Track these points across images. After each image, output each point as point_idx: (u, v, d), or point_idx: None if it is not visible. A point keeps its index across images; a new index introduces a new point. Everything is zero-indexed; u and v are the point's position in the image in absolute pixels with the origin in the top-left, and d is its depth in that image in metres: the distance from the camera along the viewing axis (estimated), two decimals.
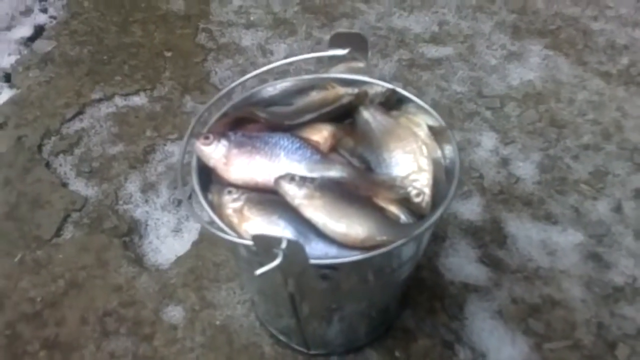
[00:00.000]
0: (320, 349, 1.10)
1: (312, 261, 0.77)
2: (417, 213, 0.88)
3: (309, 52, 1.69)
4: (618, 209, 1.30)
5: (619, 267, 1.20)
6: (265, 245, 0.75)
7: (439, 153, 0.95)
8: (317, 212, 0.83)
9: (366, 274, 0.88)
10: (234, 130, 0.95)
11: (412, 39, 1.74)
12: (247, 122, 0.99)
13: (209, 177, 0.95)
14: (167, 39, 1.79)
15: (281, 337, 1.11)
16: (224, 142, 0.91)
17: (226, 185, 0.91)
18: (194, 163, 0.93)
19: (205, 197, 0.89)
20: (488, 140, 1.45)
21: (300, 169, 0.89)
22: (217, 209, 0.88)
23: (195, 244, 1.28)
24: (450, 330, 1.12)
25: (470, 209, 1.31)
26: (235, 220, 0.87)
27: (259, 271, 0.75)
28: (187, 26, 1.83)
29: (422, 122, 0.98)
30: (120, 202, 1.38)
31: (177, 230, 1.32)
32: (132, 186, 1.41)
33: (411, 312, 1.15)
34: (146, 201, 1.38)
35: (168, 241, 1.31)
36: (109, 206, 1.36)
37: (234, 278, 1.21)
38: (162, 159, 1.46)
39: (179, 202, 1.37)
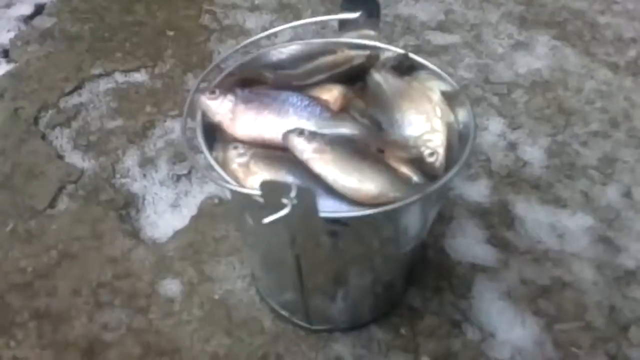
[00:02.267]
0: (323, 324, 1.05)
1: (322, 214, 0.73)
2: (429, 174, 0.84)
3: (314, 36, 1.68)
4: (628, 194, 1.27)
5: (629, 251, 1.17)
6: (273, 194, 0.71)
7: (452, 118, 0.92)
8: (328, 166, 0.79)
9: (374, 235, 0.85)
10: (241, 88, 0.91)
11: (419, 26, 1.72)
12: (254, 83, 0.95)
13: (213, 137, 0.91)
14: (170, 18, 1.76)
15: (283, 312, 1.07)
16: (230, 97, 0.88)
17: (231, 142, 0.87)
18: (198, 119, 0.90)
19: (210, 153, 0.85)
20: (495, 125, 1.43)
21: (310, 126, 0.85)
22: (222, 165, 0.84)
23: (194, 219, 1.24)
24: (458, 309, 1.08)
25: (478, 191, 1.28)
26: (241, 175, 0.83)
27: (267, 219, 0.71)
28: (191, 7, 1.80)
29: (434, 87, 0.95)
30: (117, 176, 1.33)
31: (175, 206, 1.28)
32: (130, 160, 1.37)
33: (417, 291, 1.11)
34: (144, 176, 1.34)
35: (166, 216, 1.26)
36: (105, 179, 1.32)
37: (234, 252, 1.17)
38: (162, 135, 1.42)
39: (178, 178, 1.33)
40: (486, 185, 1.29)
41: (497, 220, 1.22)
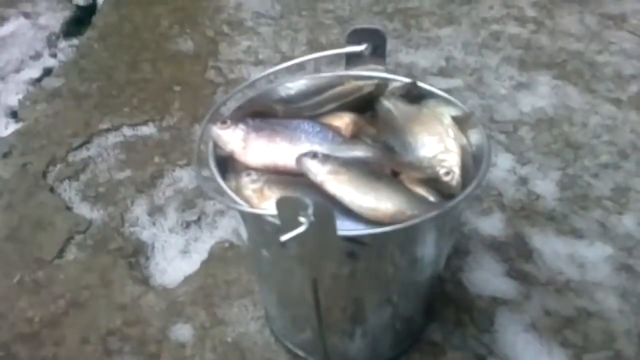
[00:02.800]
0: None
1: (340, 232, 0.72)
2: (446, 194, 0.83)
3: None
4: None
5: None
6: (290, 211, 0.70)
7: (464, 141, 0.91)
8: (343, 186, 0.78)
9: (392, 258, 0.82)
10: (252, 118, 0.91)
11: (420, 72, 1.75)
12: (264, 116, 0.96)
13: (226, 169, 0.90)
14: (177, 75, 1.79)
15: (299, 352, 1.03)
16: (242, 126, 0.88)
17: (244, 171, 0.87)
18: (210, 149, 0.89)
19: (224, 178, 0.84)
20: (504, 161, 1.42)
21: (322, 151, 0.85)
22: (236, 193, 0.83)
23: (204, 263, 1.22)
24: (482, 343, 1.04)
25: (492, 225, 1.26)
26: (255, 201, 0.81)
27: (284, 237, 0.69)
28: (197, 64, 1.84)
29: (445, 112, 0.95)
30: (126, 225, 1.32)
31: (185, 252, 1.26)
32: (139, 209, 1.36)
33: (438, 326, 1.07)
34: (153, 224, 1.32)
35: (176, 262, 1.24)
36: (114, 228, 1.30)
37: (246, 295, 1.14)
38: (171, 184, 1.42)
39: (188, 224, 1.32)
40: (500, 219, 1.27)
41: (514, 253, 1.20)
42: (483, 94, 1.65)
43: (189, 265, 1.22)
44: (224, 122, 0.88)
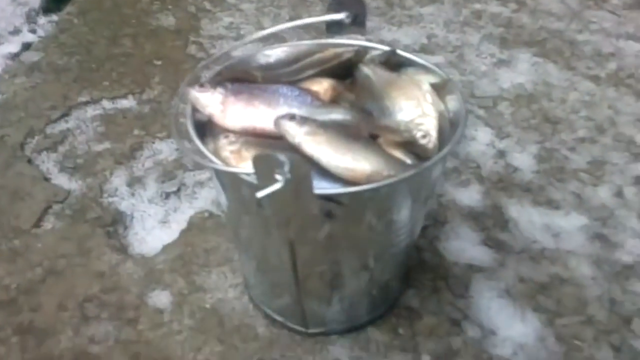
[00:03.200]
0: (319, 327, 1.02)
1: (317, 190, 0.72)
2: (423, 157, 0.83)
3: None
4: (619, 194, 1.27)
5: (626, 247, 1.16)
6: (266, 169, 0.70)
7: (442, 107, 0.92)
8: (321, 146, 0.79)
9: (368, 219, 0.83)
10: (231, 82, 0.91)
11: (402, 49, 1.74)
12: (243, 82, 0.96)
13: (204, 133, 0.90)
14: (157, 50, 1.78)
15: (277, 317, 1.04)
16: (220, 89, 0.88)
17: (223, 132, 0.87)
18: (188, 112, 0.89)
19: (202, 142, 0.84)
20: (483, 135, 1.44)
21: (301, 114, 0.85)
22: (214, 154, 0.83)
23: (183, 232, 1.22)
24: (457, 308, 1.06)
25: (470, 196, 1.27)
26: (233, 162, 0.82)
27: (260, 193, 0.70)
28: (178, 39, 1.83)
29: (424, 79, 0.96)
30: (105, 195, 1.31)
31: (164, 222, 1.26)
32: (118, 180, 1.35)
33: (414, 292, 1.08)
34: (132, 194, 1.32)
35: (155, 232, 1.24)
36: (92, 199, 1.30)
37: (225, 263, 1.14)
38: (150, 156, 1.41)
39: (167, 195, 1.31)
40: (478, 190, 1.28)
41: (491, 223, 1.21)
42: (464, 71, 1.66)
43: (168, 234, 1.22)
44: (202, 86, 0.88)
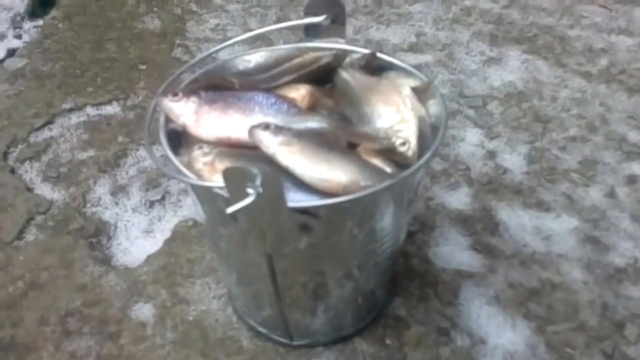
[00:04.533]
0: (304, 339, 1.00)
1: (290, 204, 0.70)
2: (403, 164, 0.81)
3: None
4: (611, 194, 1.25)
5: (618, 249, 1.13)
6: (237, 182, 0.68)
7: (423, 111, 0.89)
8: (295, 157, 0.76)
9: (347, 229, 0.81)
10: (205, 90, 0.89)
11: (391, 48, 1.73)
12: (220, 89, 0.93)
13: (179, 143, 0.88)
14: (142, 54, 1.76)
15: (261, 329, 1.01)
16: (194, 98, 0.86)
17: (197, 144, 0.84)
18: (161, 122, 0.87)
19: (175, 154, 0.82)
20: (473, 136, 1.41)
21: (277, 122, 0.83)
22: (187, 167, 0.81)
23: (167, 242, 1.19)
24: (445, 317, 1.03)
25: (459, 199, 1.25)
26: (206, 174, 0.79)
27: (230, 209, 0.67)
28: (163, 42, 1.80)
29: (404, 83, 0.93)
30: (88, 205, 1.29)
31: (148, 231, 1.24)
32: (101, 189, 1.33)
33: (402, 300, 1.06)
34: (116, 203, 1.30)
35: (138, 242, 1.22)
36: (75, 209, 1.27)
37: (209, 273, 1.12)
38: (134, 163, 1.39)
39: (151, 204, 1.29)
40: (467, 193, 1.26)
41: (480, 227, 1.19)
42: (453, 69, 1.63)
43: (152, 244, 1.20)
44: (175, 95, 0.86)
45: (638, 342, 0.98)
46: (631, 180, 1.27)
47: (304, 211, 0.74)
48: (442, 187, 1.27)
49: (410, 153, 0.81)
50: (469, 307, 1.05)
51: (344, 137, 0.82)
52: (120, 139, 1.46)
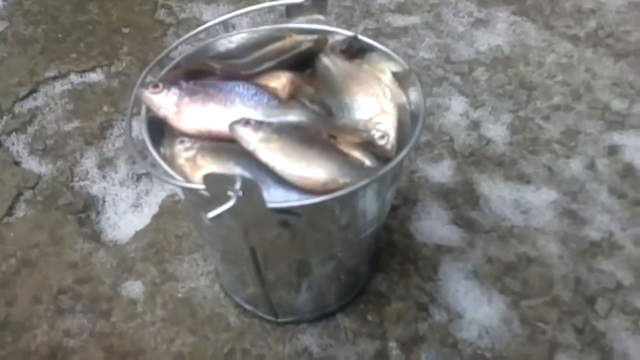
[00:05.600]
0: (289, 316, 1.04)
1: (270, 204, 0.71)
2: (381, 157, 0.82)
3: (272, 24, 1.65)
4: (591, 166, 1.27)
5: (594, 222, 1.17)
6: (217, 187, 0.69)
7: (403, 98, 0.90)
8: (274, 154, 0.77)
9: (329, 222, 0.83)
10: (186, 80, 0.89)
11: (378, 9, 1.70)
12: (201, 74, 0.93)
13: (162, 132, 0.89)
14: (125, 15, 1.72)
15: (247, 307, 1.05)
16: (174, 90, 0.85)
17: (179, 136, 0.85)
18: (143, 114, 0.88)
19: (157, 150, 0.83)
20: (457, 105, 1.41)
21: (257, 115, 0.83)
22: (170, 160, 0.82)
23: (155, 218, 1.22)
24: (425, 292, 1.07)
25: (441, 172, 1.27)
26: (188, 170, 0.80)
27: (210, 213, 0.69)
28: (146, 2, 1.76)
29: (385, 68, 0.93)
30: (76, 179, 1.30)
31: (136, 206, 1.26)
32: (89, 162, 1.34)
33: (383, 276, 1.10)
34: (103, 177, 1.31)
35: (127, 216, 1.24)
36: (63, 183, 1.29)
37: (197, 249, 1.15)
38: (120, 134, 1.39)
39: (139, 177, 1.30)
40: (450, 165, 1.28)
41: (461, 200, 1.21)
42: (440, 33, 1.61)
43: (140, 219, 1.22)
44: (155, 86, 0.86)
45: (608, 317, 1.03)
46: (611, 151, 1.29)
47: (283, 210, 0.76)
48: (425, 159, 1.29)
49: (389, 147, 0.82)
50: (447, 282, 1.09)
51: (324, 130, 0.84)
52: (105, 108, 1.45)
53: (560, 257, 1.11)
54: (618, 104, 1.39)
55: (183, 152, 0.82)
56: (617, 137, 1.32)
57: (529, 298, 1.06)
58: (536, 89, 1.44)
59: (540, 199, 1.21)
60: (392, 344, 1.00)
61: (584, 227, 1.16)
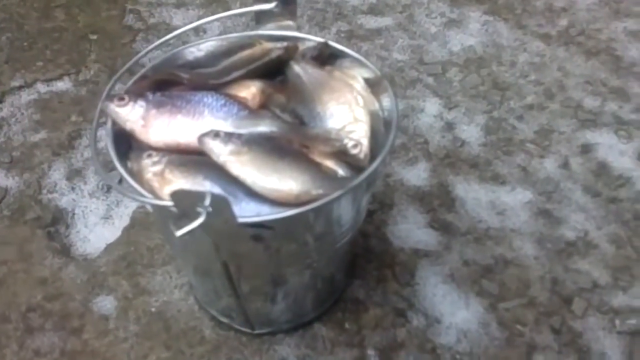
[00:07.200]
0: (265, 327, 1.02)
1: (241, 219, 0.70)
2: (355, 166, 0.81)
3: (243, 29, 1.63)
4: (565, 165, 1.27)
5: (569, 222, 1.17)
6: (186, 204, 0.67)
7: (376, 105, 0.89)
8: (245, 167, 0.76)
9: (304, 234, 0.82)
10: (153, 91, 0.86)
11: (350, 10, 1.69)
12: (168, 85, 0.91)
13: (129, 145, 0.87)
14: (92, 22, 1.68)
15: (222, 319, 1.04)
16: (141, 102, 0.83)
17: (146, 149, 0.83)
18: (108, 127, 0.85)
19: (124, 164, 0.81)
20: (432, 106, 1.41)
21: (227, 126, 0.81)
22: (137, 175, 0.80)
23: (126, 230, 1.19)
24: (402, 297, 1.07)
25: (417, 175, 1.26)
26: (156, 184, 0.78)
27: (179, 232, 0.67)
28: (114, 8, 1.73)
29: (357, 75, 0.92)
30: (44, 192, 1.27)
31: (106, 218, 1.23)
32: (57, 174, 1.30)
33: (360, 282, 1.09)
34: (72, 189, 1.28)
35: (97, 229, 1.21)
36: (31, 196, 1.25)
37: (169, 261, 1.13)
38: (89, 145, 1.36)
39: (109, 188, 1.28)
40: (425, 168, 1.27)
41: (437, 203, 1.21)
42: (413, 34, 1.60)
43: (111, 232, 1.20)
44: (121, 99, 0.84)
45: (584, 316, 1.03)
46: (585, 149, 1.30)
47: (255, 224, 0.74)
48: (400, 162, 1.28)
49: (362, 156, 0.81)
50: (424, 287, 1.08)
51: (296, 140, 0.82)
52: (73, 118, 1.42)
53: (536, 258, 1.11)
54: (590, 102, 1.40)
55: (151, 167, 0.80)
56: (590, 136, 1.33)
57: (506, 300, 1.06)
58: (509, 89, 1.44)
59: (516, 199, 1.21)
60: (371, 352, 0.99)
61: (559, 226, 1.16)
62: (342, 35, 1.61)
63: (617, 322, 1.02)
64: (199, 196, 0.66)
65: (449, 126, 1.36)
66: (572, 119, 1.37)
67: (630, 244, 1.12)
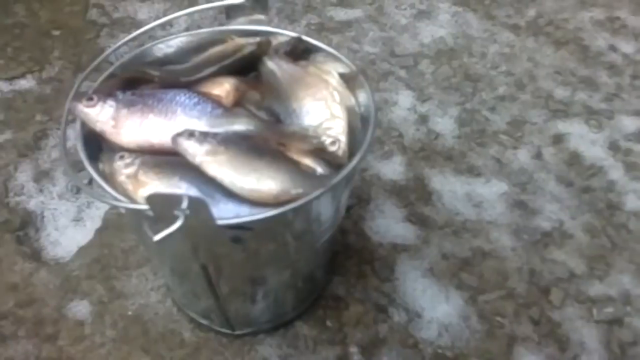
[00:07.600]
0: (245, 327, 1.01)
1: (220, 222, 0.68)
2: (333, 163, 0.80)
3: (211, 22, 1.60)
4: (538, 155, 1.28)
5: (544, 212, 1.18)
6: (163, 207, 0.65)
7: (352, 101, 0.88)
8: (223, 168, 0.74)
9: (284, 234, 0.81)
10: (123, 90, 0.84)
11: (320, 3, 1.67)
12: (138, 83, 0.88)
13: (100, 146, 0.84)
14: (54, 17, 1.63)
15: (202, 321, 1.02)
16: (110, 102, 0.80)
17: (118, 151, 0.80)
18: (77, 128, 0.83)
19: (95, 167, 0.78)
20: (405, 99, 1.41)
21: (201, 125, 0.79)
22: (110, 178, 0.77)
23: (99, 232, 1.16)
24: (383, 293, 1.06)
25: (393, 169, 1.26)
26: (130, 187, 0.76)
27: (157, 236, 0.65)
28: (76, 2, 1.67)
29: (332, 70, 0.90)
30: (11, 194, 1.23)
31: (78, 220, 1.19)
32: (24, 176, 1.26)
33: (340, 279, 1.08)
34: (41, 191, 1.24)
35: (68, 232, 1.17)
36: None
37: (145, 263, 1.10)
38: (57, 144, 1.32)
39: (79, 189, 1.24)
40: (400, 161, 1.27)
41: (414, 197, 1.21)
42: (384, 26, 1.60)
43: (83, 234, 1.16)
44: (90, 99, 0.81)
45: (562, 306, 1.04)
46: (556, 139, 1.31)
47: (234, 226, 0.72)
48: (376, 156, 1.28)
49: (340, 152, 0.80)
50: (404, 282, 1.08)
51: (273, 139, 0.80)
52: (38, 117, 1.37)
53: (513, 250, 1.12)
54: (561, 92, 1.42)
55: (123, 169, 0.77)
56: (562, 126, 1.34)
57: (486, 293, 1.06)
58: (481, 80, 1.45)
59: (491, 191, 1.22)
60: (353, 349, 0.99)
61: (534, 217, 1.17)
62: (312, 27, 1.59)
63: (595, 311, 1.03)
64: (176, 199, 0.64)
65: (423, 119, 1.36)
66: (544, 109, 1.38)
67: (604, 233, 1.14)
